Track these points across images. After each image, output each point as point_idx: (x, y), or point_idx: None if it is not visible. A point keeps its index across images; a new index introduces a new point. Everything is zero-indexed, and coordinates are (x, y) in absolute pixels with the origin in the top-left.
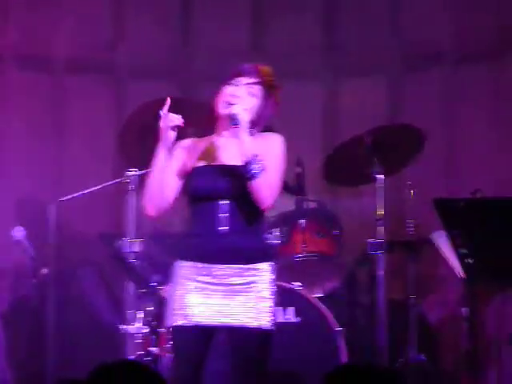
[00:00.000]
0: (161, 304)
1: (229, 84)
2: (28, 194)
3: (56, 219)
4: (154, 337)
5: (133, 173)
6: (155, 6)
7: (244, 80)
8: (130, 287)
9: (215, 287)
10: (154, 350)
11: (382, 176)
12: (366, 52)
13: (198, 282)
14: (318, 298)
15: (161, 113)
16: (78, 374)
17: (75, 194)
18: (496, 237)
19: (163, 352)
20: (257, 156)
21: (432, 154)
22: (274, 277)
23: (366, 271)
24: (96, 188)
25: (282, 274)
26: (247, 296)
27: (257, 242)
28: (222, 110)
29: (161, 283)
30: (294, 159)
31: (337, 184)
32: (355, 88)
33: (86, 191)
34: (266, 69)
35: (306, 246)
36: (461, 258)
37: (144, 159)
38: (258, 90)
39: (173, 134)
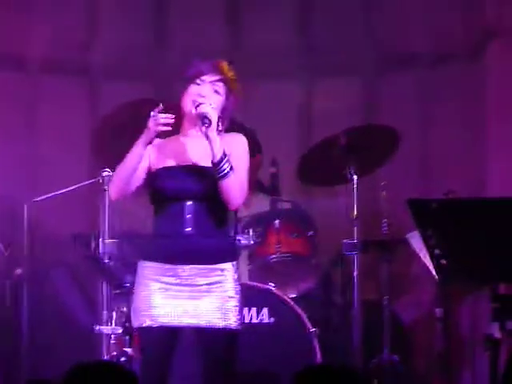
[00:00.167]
0: None
1: (193, 83)
2: (0, 195)
3: (29, 220)
4: (127, 337)
5: (107, 173)
6: (129, 6)
7: (207, 78)
8: (104, 288)
9: (181, 288)
10: (128, 350)
11: (357, 176)
12: (340, 52)
13: (163, 282)
14: (293, 298)
15: (152, 114)
16: (53, 375)
17: (49, 195)
18: (469, 237)
19: (137, 352)
20: (226, 156)
21: (406, 155)
22: (237, 276)
23: (341, 272)
24: (70, 188)
25: (256, 274)
26: (213, 296)
27: (222, 243)
28: (190, 109)
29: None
30: (269, 159)
31: (311, 184)
32: (330, 88)
33: (59, 192)
34: (225, 65)
35: (280, 247)
36: (434, 258)
37: (119, 160)
38: (221, 87)
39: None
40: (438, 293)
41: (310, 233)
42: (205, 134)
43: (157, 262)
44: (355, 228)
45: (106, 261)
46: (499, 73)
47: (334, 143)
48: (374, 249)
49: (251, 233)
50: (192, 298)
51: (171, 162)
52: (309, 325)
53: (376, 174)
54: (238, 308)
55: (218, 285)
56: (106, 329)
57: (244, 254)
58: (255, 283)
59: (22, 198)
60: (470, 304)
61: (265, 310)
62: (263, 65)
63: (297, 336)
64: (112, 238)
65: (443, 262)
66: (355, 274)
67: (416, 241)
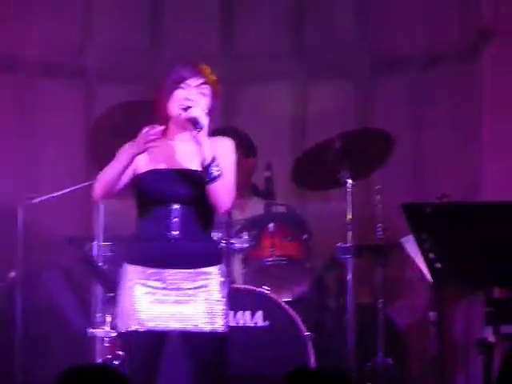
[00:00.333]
0: None
1: (178, 88)
2: None
3: (23, 222)
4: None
5: None
6: (124, 9)
7: (192, 82)
8: (98, 291)
9: (167, 292)
10: (121, 353)
11: (351, 180)
12: (334, 55)
13: (150, 287)
14: (287, 302)
15: (144, 130)
16: (46, 378)
17: (44, 197)
18: (463, 242)
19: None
20: (215, 159)
21: (400, 158)
22: (224, 279)
23: (335, 275)
24: (65, 191)
25: (251, 277)
26: (199, 300)
27: (207, 246)
28: (177, 114)
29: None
30: (263, 163)
31: (306, 188)
32: (324, 91)
33: (54, 194)
34: (206, 67)
35: (274, 250)
36: (429, 262)
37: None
38: (207, 89)
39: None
40: (432, 297)
41: (305, 236)
42: (195, 137)
43: (142, 265)
44: (349, 232)
45: (100, 263)
46: (495, 74)
47: (328, 147)
48: (368, 253)
49: (246, 236)
50: (178, 303)
51: (158, 166)
52: (303, 328)
53: (370, 178)
54: (224, 311)
55: (204, 289)
56: (99, 332)
57: (238, 258)
58: (250, 286)
59: (16, 200)
60: (463, 308)
61: (259, 314)
62: (257, 66)
63: (291, 339)
64: (106, 241)
65: (437, 266)
66: (349, 277)
67: (410, 245)
